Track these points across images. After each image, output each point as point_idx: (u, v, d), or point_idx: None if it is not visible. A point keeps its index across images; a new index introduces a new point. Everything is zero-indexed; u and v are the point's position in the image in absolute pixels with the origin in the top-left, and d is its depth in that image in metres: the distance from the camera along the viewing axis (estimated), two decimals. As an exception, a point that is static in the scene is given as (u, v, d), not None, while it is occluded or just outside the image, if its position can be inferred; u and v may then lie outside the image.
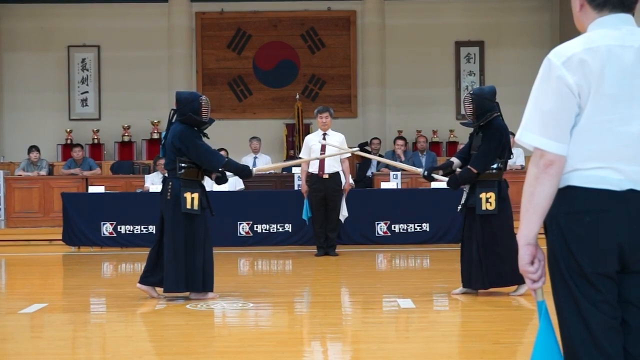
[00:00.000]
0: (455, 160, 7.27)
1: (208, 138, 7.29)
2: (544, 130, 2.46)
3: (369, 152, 14.09)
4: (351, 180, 10.95)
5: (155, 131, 16.66)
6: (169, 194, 7.00)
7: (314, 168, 10.29)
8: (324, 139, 10.27)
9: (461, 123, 7.54)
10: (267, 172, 13.59)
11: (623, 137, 2.44)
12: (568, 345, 2.51)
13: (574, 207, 2.46)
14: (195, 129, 7.11)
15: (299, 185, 11.63)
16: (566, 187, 2.48)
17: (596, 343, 2.46)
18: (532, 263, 2.51)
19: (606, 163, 2.44)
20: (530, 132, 2.50)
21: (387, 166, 13.11)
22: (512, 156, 7.31)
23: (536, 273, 2.51)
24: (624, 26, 2.50)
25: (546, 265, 2.55)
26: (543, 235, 2.52)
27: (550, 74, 2.46)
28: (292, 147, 16.40)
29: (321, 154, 10.21)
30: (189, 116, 7.03)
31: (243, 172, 7.33)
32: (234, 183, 12.27)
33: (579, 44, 2.48)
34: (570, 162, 2.47)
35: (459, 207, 7.11)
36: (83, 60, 17.17)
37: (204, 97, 7.17)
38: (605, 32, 2.48)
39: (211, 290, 7.10)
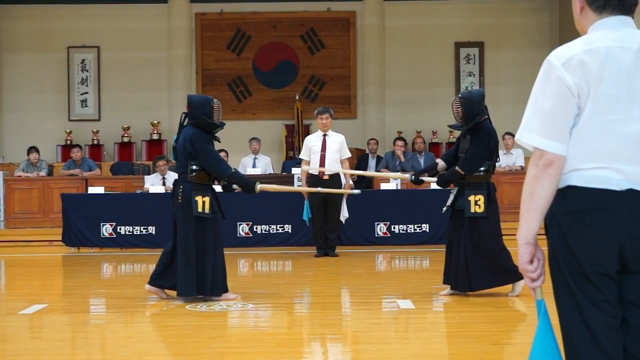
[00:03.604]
0: (440, 161, 7.28)
1: (219, 142, 7.30)
2: (543, 131, 2.48)
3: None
4: (351, 182, 10.96)
5: (155, 132, 16.68)
6: (180, 197, 7.00)
7: (314, 169, 10.29)
8: (324, 139, 10.29)
9: (449, 126, 7.54)
10: (262, 172, 13.59)
11: (622, 138, 2.45)
12: (569, 345, 2.52)
13: (575, 206, 2.47)
14: (207, 132, 7.11)
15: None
16: (566, 187, 2.49)
17: (597, 343, 2.47)
18: (531, 262, 2.51)
19: (606, 163, 2.45)
20: (529, 132, 2.51)
21: (387, 167, 13.11)
22: (499, 159, 7.32)
23: (535, 272, 2.52)
24: (623, 28, 2.51)
25: (546, 265, 2.56)
26: (543, 236, 2.52)
27: (550, 75, 2.48)
28: (292, 147, 16.41)
29: (321, 153, 10.22)
30: (201, 119, 7.04)
31: (247, 185, 7.18)
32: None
33: (578, 46, 2.49)
34: (569, 162, 2.48)
35: (444, 209, 7.11)
36: (83, 61, 17.19)
37: (215, 100, 7.17)
38: (605, 33, 2.50)
39: (219, 293, 7.06)
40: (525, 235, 2.52)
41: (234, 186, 7.27)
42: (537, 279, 2.53)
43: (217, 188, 7.31)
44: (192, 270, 6.92)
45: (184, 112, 7.21)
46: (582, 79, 2.44)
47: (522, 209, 2.52)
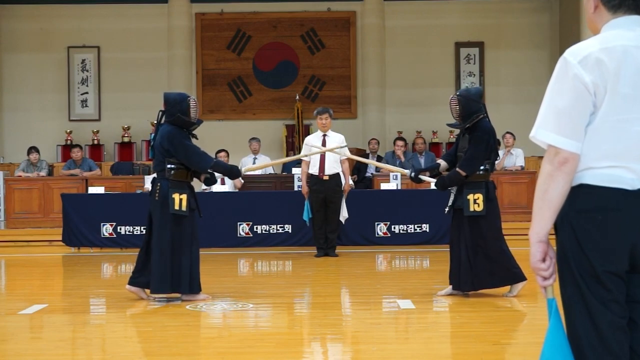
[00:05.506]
0: (442, 162, 7.27)
1: (197, 139, 7.31)
2: (559, 128, 2.47)
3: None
4: (351, 181, 10.96)
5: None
6: (157, 194, 7.03)
7: (314, 169, 10.30)
8: (324, 139, 10.29)
9: (447, 124, 7.53)
10: (262, 172, 13.59)
11: (637, 137, 2.46)
12: (575, 344, 2.52)
13: (587, 205, 2.47)
14: (184, 129, 7.11)
15: (299, 186, 11.63)
16: (579, 185, 2.49)
17: (604, 342, 2.47)
18: (543, 260, 2.51)
19: (619, 162, 2.45)
20: (545, 130, 2.50)
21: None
22: (498, 158, 7.31)
23: (547, 270, 2.52)
24: (638, 28, 2.52)
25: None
26: (552, 235, 2.52)
27: (567, 73, 2.47)
28: (292, 147, 16.41)
29: (320, 156, 10.25)
30: (177, 117, 7.04)
31: (231, 172, 7.35)
32: (232, 182, 12.32)
33: (594, 44, 2.49)
34: (583, 161, 2.48)
35: (446, 209, 7.10)
36: (83, 61, 17.18)
37: (192, 97, 7.18)
38: (620, 32, 2.50)
39: (198, 291, 7.10)
40: (537, 233, 2.51)
41: (217, 175, 7.31)
42: (549, 277, 2.52)
43: (198, 186, 7.32)
44: (166, 267, 6.93)
45: (160, 110, 7.20)
46: (598, 77, 2.44)
47: (535, 207, 2.52)
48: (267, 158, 14.30)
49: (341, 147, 8.92)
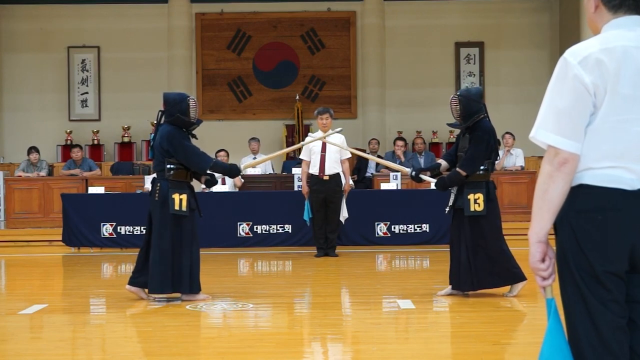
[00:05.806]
0: (442, 162, 7.26)
1: (197, 139, 7.31)
2: (558, 129, 2.47)
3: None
4: (351, 182, 10.96)
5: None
6: (157, 195, 7.03)
7: (314, 169, 10.30)
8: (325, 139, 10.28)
9: (448, 124, 7.53)
10: (262, 172, 13.60)
11: (636, 137, 2.46)
12: (575, 344, 2.52)
13: (586, 205, 2.47)
14: (184, 130, 7.11)
15: (299, 186, 11.63)
16: (579, 186, 2.50)
17: (603, 342, 2.47)
18: (542, 260, 2.51)
19: (619, 162, 2.46)
20: (545, 130, 2.50)
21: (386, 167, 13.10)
22: (498, 158, 7.30)
23: (547, 270, 2.52)
24: (638, 28, 2.52)
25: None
26: (552, 235, 2.52)
27: (567, 73, 2.47)
28: (292, 148, 16.39)
29: (322, 154, 10.24)
30: (177, 117, 7.04)
31: (231, 171, 7.37)
32: (232, 182, 12.32)
33: (595, 44, 2.49)
34: (583, 161, 2.48)
35: (447, 209, 7.10)
36: (83, 61, 17.18)
37: (191, 97, 7.18)
38: (620, 33, 2.50)
39: (198, 291, 7.11)
40: (537, 233, 2.51)
41: (217, 175, 7.31)
42: (548, 277, 2.52)
43: (198, 186, 7.31)
44: (166, 267, 6.94)
45: (160, 110, 7.19)
46: (599, 78, 2.44)
47: (534, 207, 2.52)
48: (266, 158, 14.28)
49: (337, 131, 8.90)
